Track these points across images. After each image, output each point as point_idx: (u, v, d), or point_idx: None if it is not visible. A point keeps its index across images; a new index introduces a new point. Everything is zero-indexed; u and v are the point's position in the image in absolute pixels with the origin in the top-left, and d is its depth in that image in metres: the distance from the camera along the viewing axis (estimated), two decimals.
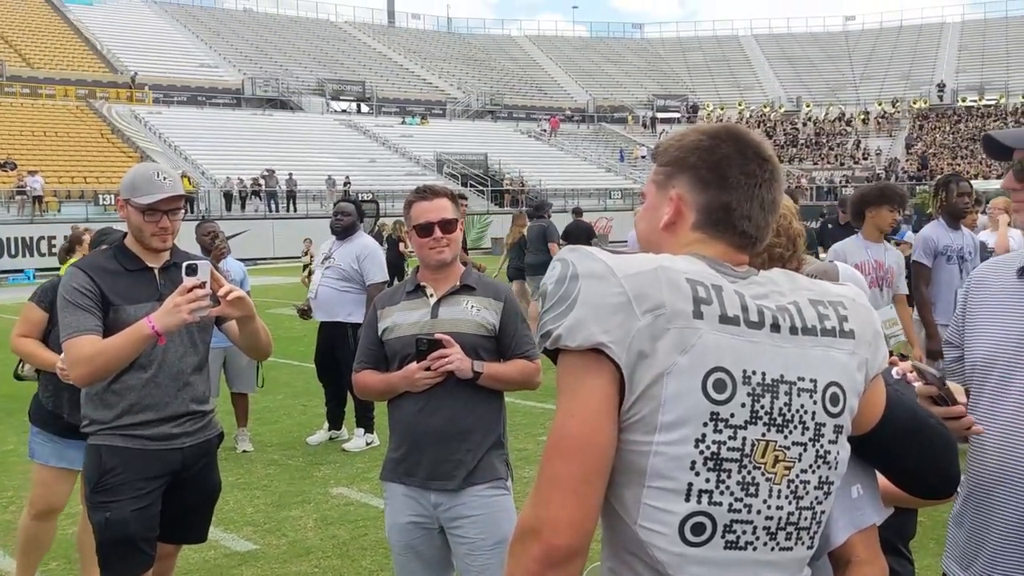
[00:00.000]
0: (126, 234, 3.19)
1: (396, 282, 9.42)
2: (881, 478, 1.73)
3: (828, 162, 52.52)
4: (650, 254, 1.44)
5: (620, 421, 1.37)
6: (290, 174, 35.92)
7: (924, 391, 1.89)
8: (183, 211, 3.21)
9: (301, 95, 52.42)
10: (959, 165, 45.59)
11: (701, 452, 1.36)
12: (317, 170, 37.91)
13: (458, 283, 3.13)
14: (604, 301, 1.35)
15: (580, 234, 12.69)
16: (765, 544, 1.42)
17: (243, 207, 34.84)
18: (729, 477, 1.38)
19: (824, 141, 55.65)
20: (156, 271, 3.13)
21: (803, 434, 1.43)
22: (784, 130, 57.17)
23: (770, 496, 1.42)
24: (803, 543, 1.47)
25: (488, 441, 3.07)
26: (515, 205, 37.61)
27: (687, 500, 1.37)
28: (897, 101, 58.26)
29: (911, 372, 1.91)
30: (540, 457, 1.40)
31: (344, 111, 52.61)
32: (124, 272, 3.09)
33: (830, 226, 9.77)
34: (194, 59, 53.79)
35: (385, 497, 3.21)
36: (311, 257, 19.76)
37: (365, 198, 25.08)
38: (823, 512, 1.49)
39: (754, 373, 1.39)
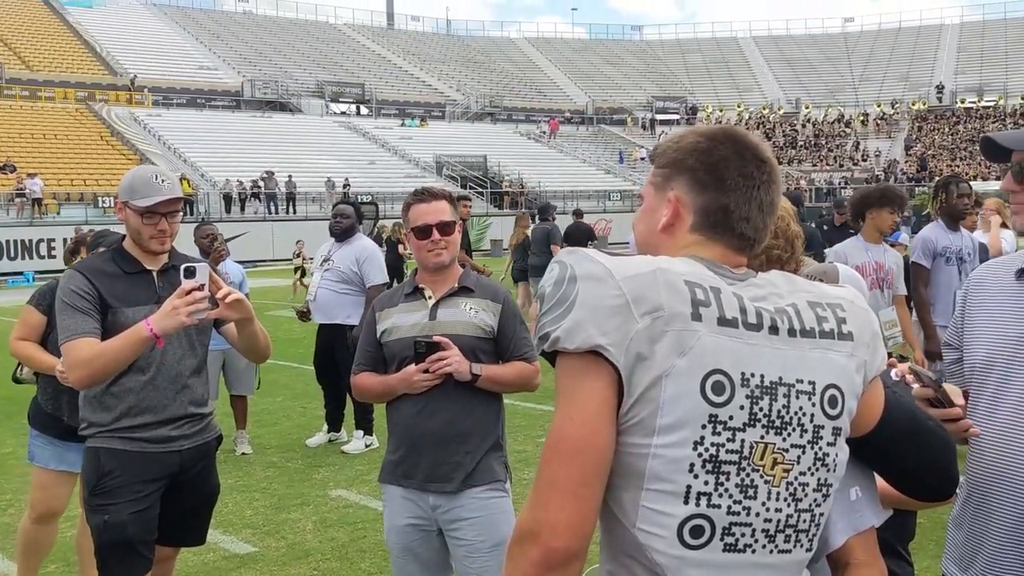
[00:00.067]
0: (124, 236, 3.19)
1: (395, 284, 9.42)
2: (880, 480, 1.73)
3: (827, 164, 52.55)
4: (648, 256, 1.44)
5: (618, 423, 1.37)
6: (289, 176, 35.92)
7: (921, 393, 1.89)
8: (182, 213, 3.21)
9: (300, 97, 52.45)
10: (958, 166, 45.62)
11: (700, 454, 1.36)
12: (316, 172, 37.91)
13: (456, 285, 3.13)
14: (602, 303, 1.35)
15: (580, 235, 12.81)
16: (764, 546, 1.42)
17: (242, 209, 34.83)
18: (728, 479, 1.38)
19: (823, 143, 55.68)
20: (154, 274, 3.13)
21: (802, 436, 1.43)
22: (783, 132, 57.19)
23: (769, 498, 1.41)
24: (802, 545, 1.47)
25: (487, 443, 3.07)
26: (515, 207, 37.63)
27: (686, 503, 1.37)
28: (896, 102, 58.30)
29: (909, 374, 1.91)
30: (539, 459, 1.40)
31: (343, 113, 52.65)
32: (122, 275, 3.08)
33: (825, 227, 9.77)
34: (193, 61, 53.83)
35: (383, 499, 3.21)
36: (303, 259, 19.79)
37: (364, 200, 25.10)
38: (822, 514, 1.49)
39: (752, 375, 1.39)
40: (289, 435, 7.72)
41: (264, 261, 29.29)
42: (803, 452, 1.44)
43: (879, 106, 57.87)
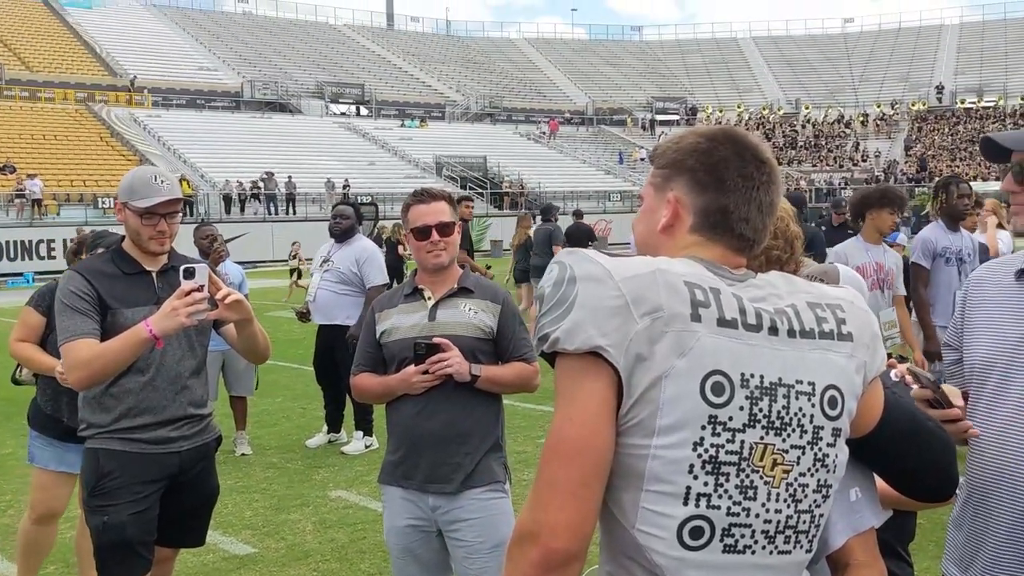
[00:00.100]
0: (124, 237, 3.19)
1: (395, 285, 9.42)
2: (880, 481, 1.73)
3: (827, 164, 52.56)
4: (648, 257, 1.43)
5: (618, 424, 1.37)
6: (289, 177, 35.93)
7: (919, 394, 1.89)
8: (181, 214, 3.21)
9: (300, 98, 52.43)
10: (958, 167, 45.63)
11: (699, 455, 1.36)
12: (316, 173, 37.92)
13: (456, 286, 3.13)
14: (602, 304, 1.35)
15: (581, 236, 12.89)
16: (764, 548, 1.42)
17: (242, 210, 34.84)
18: (727, 480, 1.38)
19: (823, 143, 55.68)
20: (154, 274, 3.13)
21: (801, 437, 1.43)
22: (783, 132, 57.19)
23: (768, 499, 1.41)
24: (802, 546, 1.47)
25: (486, 444, 3.07)
26: (515, 208, 37.63)
27: (685, 504, 1.37)
28: (896, 103, 58.31)
29: (907, 375, 1.91)
30: (538, 460, 1.40)
31: (343, 114, 52.65)
32: (122, 275, 3.08)
33: (823, 228, 9.77)
34: (193, 62, 53.82)
35: (383, 500, 3.21)
36: (299, 260, 19.79)
37: (364, 201, 25.12)
38: (822, 515, 1.49)
39: (752, 376, 1.39)
40: (289, 436, 7.71)
41: (264, 262, 29.29)
42: (803, 453, 1.43)
43: (879, 106, 57.87)
